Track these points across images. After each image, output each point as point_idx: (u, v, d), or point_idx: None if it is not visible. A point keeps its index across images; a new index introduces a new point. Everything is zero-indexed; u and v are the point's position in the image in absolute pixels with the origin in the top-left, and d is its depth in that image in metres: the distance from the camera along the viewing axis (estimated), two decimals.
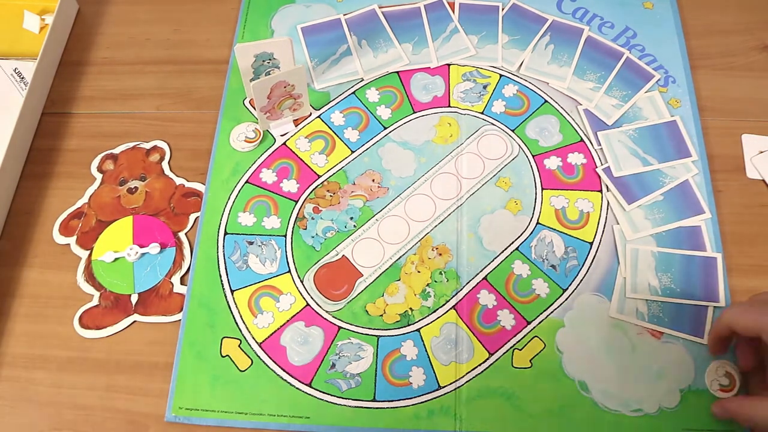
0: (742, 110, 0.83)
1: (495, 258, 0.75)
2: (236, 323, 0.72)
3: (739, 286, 0.73)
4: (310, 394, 0.68)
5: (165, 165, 0.81)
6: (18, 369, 0.71)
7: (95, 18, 0.94)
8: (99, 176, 0.81)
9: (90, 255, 0.76)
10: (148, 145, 0.83)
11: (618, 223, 0.76)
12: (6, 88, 0.87)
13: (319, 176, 0.80)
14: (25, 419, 0.68)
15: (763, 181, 0.79)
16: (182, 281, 0.74)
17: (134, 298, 0.74)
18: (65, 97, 0.87)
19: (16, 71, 0.88)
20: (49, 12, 0.92)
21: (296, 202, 0.78)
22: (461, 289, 0.73)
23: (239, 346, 0.71)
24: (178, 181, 0.80)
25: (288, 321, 0.72)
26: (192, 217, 0.78)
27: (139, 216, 0.78)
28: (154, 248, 0.75)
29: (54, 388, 0.70)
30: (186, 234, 0.77)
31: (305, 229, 0.77)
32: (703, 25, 0.90)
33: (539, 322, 0.71)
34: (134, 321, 0.73)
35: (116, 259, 0.75)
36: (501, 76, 0.86)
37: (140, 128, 0.84)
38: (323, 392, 0.68)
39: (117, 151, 0.83)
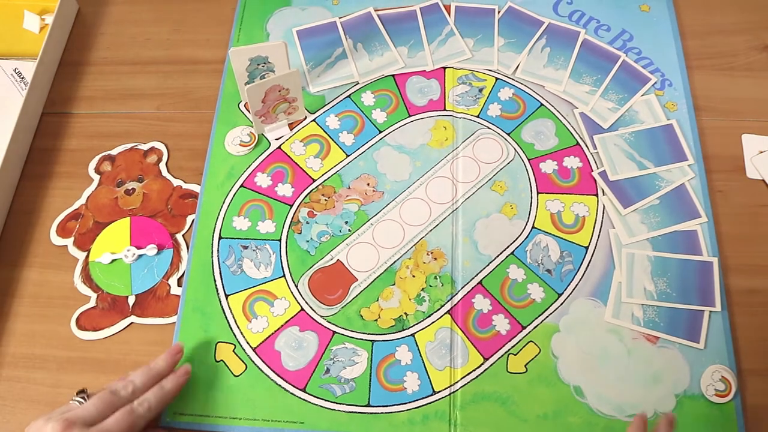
0: (742, 110, 0.81)
1: (490, 262, 0.72)
2: (230, 328, 0.69)
3: (738, 286, 0.71)
4: (304, 399, 0.66)
5: (162, 166, 0.79)
6: (18, 369, 0.69)
7: (95, 18, 0.91)
8: (96, 177, 0.78)
9: (87, 256, 0.73)
10: (145, 147, 0.80)
11: (614, 227, 0.73)
12: (6, 88, 0.84)
13: (314, 180, 0.77)
14: (25, 419, 0.66)
15: (763, 181, 0.76)
16: (179, 283, 0.72)
17: (131, 300, 0.71)
18: (65, 97, 0.85)
19: (16, 71, 0.86)
20: (49, 12, 0.90)
21: (291, 206, 0.75)
22: (456, 294, 0.70)
23: (233, 351, 0.68)
24: (176, 182, 0.78)
25: (282, 326, 0.69)
26: (189, 219, 0.75)
27: (137, 217, 0.76)
28: (151, 250, 0.73)
29: (54, 388, 0.68)
30: (183, 235, 0.74)
31: (300, 233, 0.74)
32: (703, 25, 0.87)
33: (534, 327, 0.69)
34: (131, 323, 0.70)
35: (113, 261, 0.73)
36: (497, 79, 0.83)
37: (140, 128, 0.82)
38: (317, 397, 0.66)
39: (114, 152, 0.80)
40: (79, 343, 0.69)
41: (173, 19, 0.90)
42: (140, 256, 0.72)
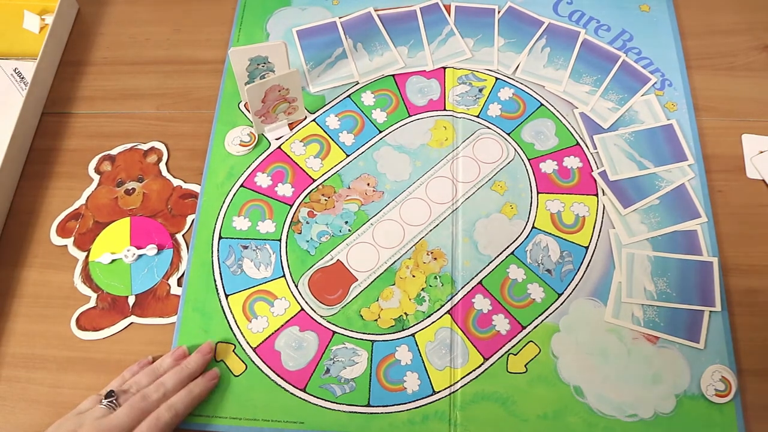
0: (742, 110, 0.81)
1: (490, 262, 0.71)
2: (230, 328, 0.69)
3: (738, 286, 0.70)
4: (304, 399, 0.65)
5: (162, 166, 0.78)
6: (18, 369, 0.68)
7: (95, 18, 0.91)
8: (96, 177, 0.78)
9: (87, 256, 0.73)
10: (145, 147, 0.80)
11: (614, 228, 0.73)
12: (6, 88, 0.84)
13: (314, 180, 0.76)
14: (25, 419, 0.66)
15: (763, 181, 0.76)
16: (179, 283, 0.71)
17: (131, 300, 0.70)
18: (65, 97, 0.84)
19: (16, 71, 0.85)
20: (49, 12, 0.90)
21: (291, 206, 0.75)
22: (456, 294, 0.70)
23: (234, 351, 0.68)
24: (176, 182, 0.77)
25: (282, 326, 0.69)
26: (189, 219, 0.75)
27: (137, 217, 0.75)
28: (151, 250, 0.73)
29: (54, 388, 0.67)
30: (183, 236, 0.74)
31: (300, 233, 0.73)
32: (703, 25, 0.87)
33: (534, 327, 0.68)
34: (131, 323, 0.69)
35: (113, 261, 0.72)
36: (497, 79, 0.82)
37: (140, 128, 0.81)
38: (318, 397, 0.65)
39: (114, 152, 0.80)
40: (79, 343, 0.69)
41: (173, 19, 0.89)
42: (140, 256, 0.72)
